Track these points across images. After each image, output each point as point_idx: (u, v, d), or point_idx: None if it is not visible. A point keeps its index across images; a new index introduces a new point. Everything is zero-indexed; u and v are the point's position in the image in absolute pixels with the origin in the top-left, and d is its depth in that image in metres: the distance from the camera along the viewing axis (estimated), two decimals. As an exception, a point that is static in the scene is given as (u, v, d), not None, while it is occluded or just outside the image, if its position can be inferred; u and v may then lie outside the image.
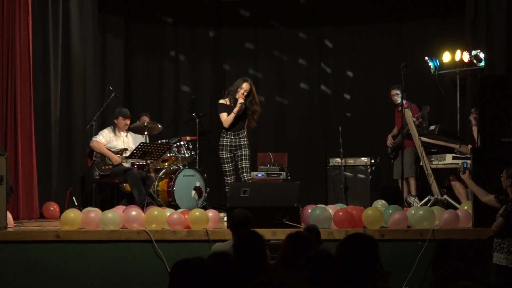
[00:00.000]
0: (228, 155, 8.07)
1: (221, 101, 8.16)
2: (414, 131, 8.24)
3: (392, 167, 9.64)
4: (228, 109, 8.06)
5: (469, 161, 6.99)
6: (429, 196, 8.07)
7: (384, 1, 10.70)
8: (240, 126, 8.11)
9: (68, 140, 9.23)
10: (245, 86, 8.05)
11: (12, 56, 8.49)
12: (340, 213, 6.79)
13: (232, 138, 8.08)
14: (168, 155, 9.13)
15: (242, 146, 8.08)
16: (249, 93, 8.07)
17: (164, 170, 9.16)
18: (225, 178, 8.11)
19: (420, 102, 9.26)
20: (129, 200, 8.61)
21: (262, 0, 10.81)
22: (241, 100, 7.98)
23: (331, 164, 9.69)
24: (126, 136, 9.04)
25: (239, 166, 8.07)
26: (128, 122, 9.01)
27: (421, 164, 8.43)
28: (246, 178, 8.01)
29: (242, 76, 8.57)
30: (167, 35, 10.95)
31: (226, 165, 8.09)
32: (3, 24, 8.50)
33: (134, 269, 6.59)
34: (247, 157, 8.09)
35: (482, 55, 8.99)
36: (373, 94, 10.67)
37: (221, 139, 8.12)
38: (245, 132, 8.16)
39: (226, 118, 8.04)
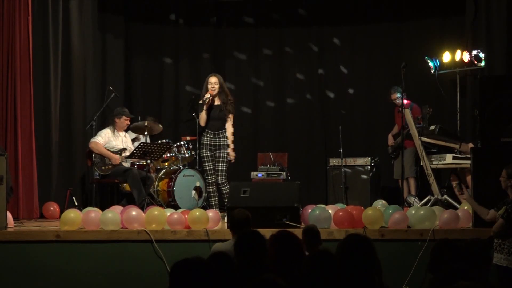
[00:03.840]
0: (208, 154, 8.13)
1: (200, 101, 8.23)
2: (414, 131, 8.24)
3: (392, 167, 9.65)
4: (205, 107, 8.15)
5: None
6: (429, 196, 8.06)
7: (384, 1, 10.69)
8: (219, 126, 8.15)
9: (68, 140, 9.23)
10: (212, 79, 8.15)
11: (12, 56, 8.49)
12: (340, 213, 6.79)
13: (211, 137, 8.14)
14: (168, 155, 9.13)
15: (222, 146, 8.11)
16: (221, 88, 8.10)
17: (164, 170, 9.16)
18: (206, 177, 8.18)
19: (420, 102, 9.26)
20: (129, 200, 8.60)
21: (263, 0, 10.81)
22: (207, 95, 8.02)
23: (331, 164, 9.70)
24: (124, 136, 9.04)
25: (215, 168, 8.12)
26: (129, 121, 9.02)
27: (421, 164, 8.43)
28: (220, 182, 8.07)
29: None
30: (167, 35, 10.93)
31: (206, 164, 8.17)
32: (3, 24, 8.50)
33: (134, 269, 6.58)
34: (224, 160, 8.12)
35: (482, 55, 8.99)
36: (373, 94, 10.66)
37: (202, 137, 8.22)
38: (226, 133, 8.16)
39: (200, 117, 8.13)
